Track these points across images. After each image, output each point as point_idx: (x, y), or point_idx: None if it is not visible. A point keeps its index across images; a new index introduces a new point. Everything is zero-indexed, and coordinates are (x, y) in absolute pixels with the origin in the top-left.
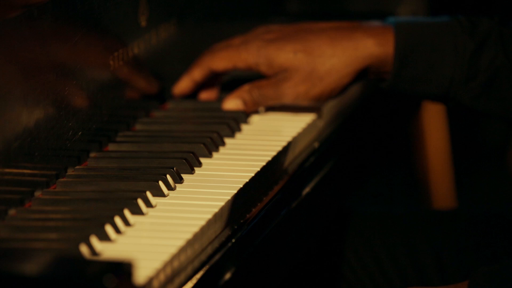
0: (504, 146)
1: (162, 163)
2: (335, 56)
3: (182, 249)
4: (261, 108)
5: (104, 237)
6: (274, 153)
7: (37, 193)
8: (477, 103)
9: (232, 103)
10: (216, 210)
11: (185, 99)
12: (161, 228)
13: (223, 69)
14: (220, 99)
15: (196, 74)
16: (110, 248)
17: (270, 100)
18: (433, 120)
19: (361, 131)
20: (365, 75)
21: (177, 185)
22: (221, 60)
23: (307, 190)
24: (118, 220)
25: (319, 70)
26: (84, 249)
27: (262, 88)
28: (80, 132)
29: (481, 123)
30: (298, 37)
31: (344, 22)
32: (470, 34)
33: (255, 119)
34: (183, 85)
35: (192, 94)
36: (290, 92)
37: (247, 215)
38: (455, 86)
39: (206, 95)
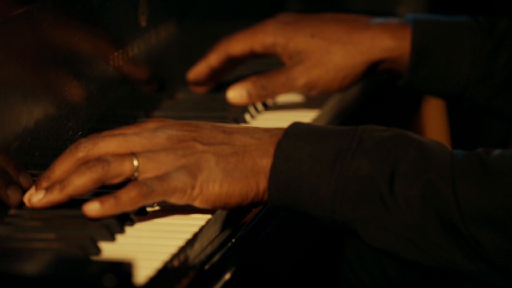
0: (504, 146)
1: None
2: (351, 43)
3: (182, 249)
4: (261, 108)
5: (104, 237)
6: None
7: None
8: (494, 104)
9: (235, 93)
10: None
11: (185, 99)
12: (161, 228)
13: (240, 53)
14: (219, 98)
15: (212, 59)
16: (110, 248)
17: (280, 87)
18: (434, 120)
19: None
20: (377, 70)
21: None
22: (237, 42)
23: None
24: (118, 220)
25: (334, 55)
26: (84, 249)
27: (271, 77)
28: (80, 132)
29: (482, 123)
30: (316, 23)
31: (362, 15)
32: (488, 33)
33: (255, 119)
34: (198, 70)
35: (191, 93)
36: (302, 76)
37: (247, 215)
38: (471, 84)
39: (201, 89)
